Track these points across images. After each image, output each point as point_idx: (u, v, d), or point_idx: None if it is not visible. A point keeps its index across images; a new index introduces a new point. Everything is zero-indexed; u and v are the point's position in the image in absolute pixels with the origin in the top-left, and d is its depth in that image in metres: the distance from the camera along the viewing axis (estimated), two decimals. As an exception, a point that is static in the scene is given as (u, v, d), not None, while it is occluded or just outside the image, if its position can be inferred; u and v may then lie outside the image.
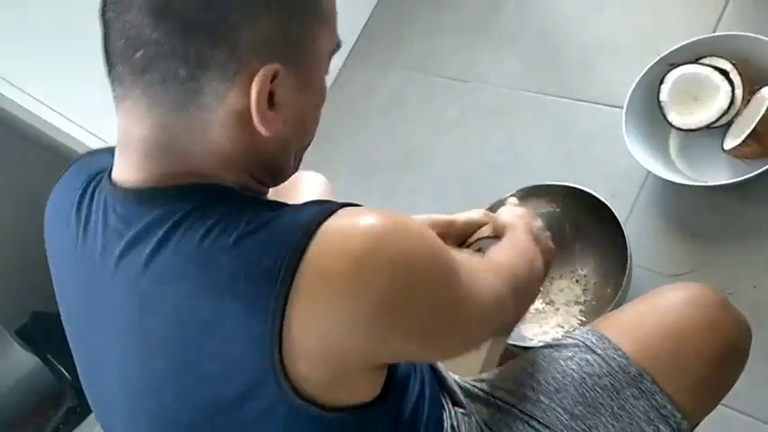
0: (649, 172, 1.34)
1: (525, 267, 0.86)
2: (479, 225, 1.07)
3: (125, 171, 0.68)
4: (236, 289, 0.60)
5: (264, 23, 0.62)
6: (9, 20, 1.51)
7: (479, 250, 1.06)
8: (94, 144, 1.62)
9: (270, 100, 0.64)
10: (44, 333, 1.68)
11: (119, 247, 0.67)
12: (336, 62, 1.94)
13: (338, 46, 0.71)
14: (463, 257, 0.73)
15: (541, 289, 1.37)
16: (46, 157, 1.61)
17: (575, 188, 1.27)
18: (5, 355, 1.63)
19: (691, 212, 1.37)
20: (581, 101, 1.61)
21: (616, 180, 1.45)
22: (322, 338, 0.60)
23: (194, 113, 0.63)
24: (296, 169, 0.76)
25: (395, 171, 1.80)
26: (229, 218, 0.63)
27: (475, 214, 1.08)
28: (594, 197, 1.25)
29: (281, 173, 0.73)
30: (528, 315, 1.34)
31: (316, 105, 0.72)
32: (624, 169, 1.41)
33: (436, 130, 1.80)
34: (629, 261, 1.20)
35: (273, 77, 0.63)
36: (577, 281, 1.36)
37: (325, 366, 0.61)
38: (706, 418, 0.87)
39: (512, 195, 1.21)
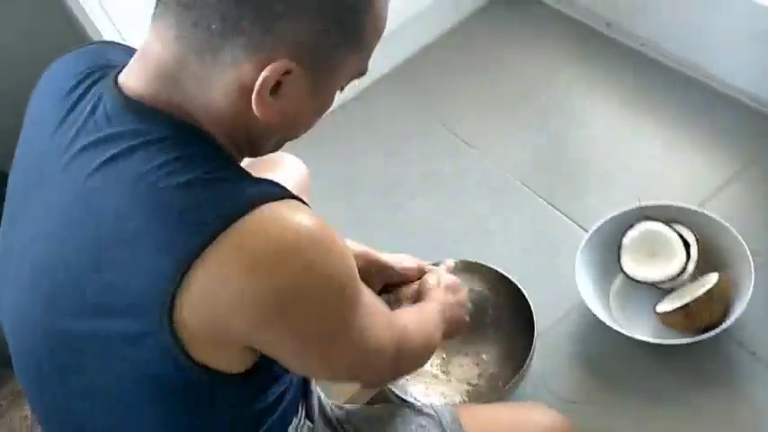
0: (583, 299, 1.40)
1: (419, 340, 0.90)
2: (410, 278, 1.13)
3: (132, 79, 0.73)
4: (166, 222, 0.65)
5: (302, 27, 0.66)
6: None
7: (396, 302, 1.12)
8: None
9: (276, 88, 0.68)
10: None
11: (90, 138, 0.71)
12: (363, 81, 2.02)
13: (362, 73, 0.75)
14: (372, 300, 0.78)
15: (445, 357, 1.43)
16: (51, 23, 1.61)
17: (507, 278, 1.32)
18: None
19: (605, 351, 1.43)
20: (560, 212, 1.68)
21: (554, 292, 1.51)
22: (212, 302, 0.64)
23: (208, 64, 0.68)
24: (273, 152, 0.80)
25: (373, 197, 1.87)
26: (195, 160, 0.68)
27: (409, 264, 1.13)
28: (522, 294, 1.30)
29: (257, 150, 0.78)
30: (422, 374, 1.40)
31: (316, 112, 0.76)
32: (565, 287, 1.46)
33: (427, 177, 1.87)
34: (525, 367, 1.25)
35: (287, 72, 0.67)
36: (478, 364, 1.41)
37: (206, 327, 0.65)
38: None
39: (451, 260, 1.27)
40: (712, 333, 1.28)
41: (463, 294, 1.11)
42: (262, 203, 0.65)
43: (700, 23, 1.75)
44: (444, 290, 1.06)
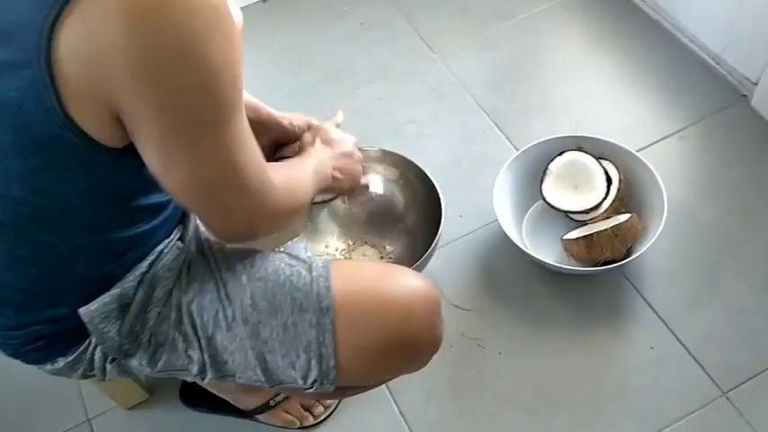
0: (497, 218, 1.39)
1: (284, 193, 0.85)
2: (299, 136, 1.12)
3: None
4: None
5: None
6: None
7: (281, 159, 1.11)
8: None
9: None
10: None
11: None
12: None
13: None
14: (249, 131, 0.75)
15: (350, 243, 1.42)
16: None
17: (427, 177, 1.30)
18: None
19: (505, 269, 1.44)
20: (500, 131, 1.67)
21: (472, 205, 1.51)
22: (89, 43, 0.62)
23: None
24: None
25: (321, 76, 1.83)
26: None
27: (299, 121, 1.12)
28: (436, 193, 1.28)
29: None
30: (323, 256, 1.39)
31: None
32: (483, 203, 1.45)
33: (379, 69, 1.84)
34: (419, 261, 1.24)
35: None
36: (382, 257, 1.41)
37: (80, 71, 0.63)
38: None
39: (341, 112, 1.20)
40: (609, 267, 1.30)
41: (345, 146, 1.11)
42: None
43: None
44: (320, 146, 1.05)
